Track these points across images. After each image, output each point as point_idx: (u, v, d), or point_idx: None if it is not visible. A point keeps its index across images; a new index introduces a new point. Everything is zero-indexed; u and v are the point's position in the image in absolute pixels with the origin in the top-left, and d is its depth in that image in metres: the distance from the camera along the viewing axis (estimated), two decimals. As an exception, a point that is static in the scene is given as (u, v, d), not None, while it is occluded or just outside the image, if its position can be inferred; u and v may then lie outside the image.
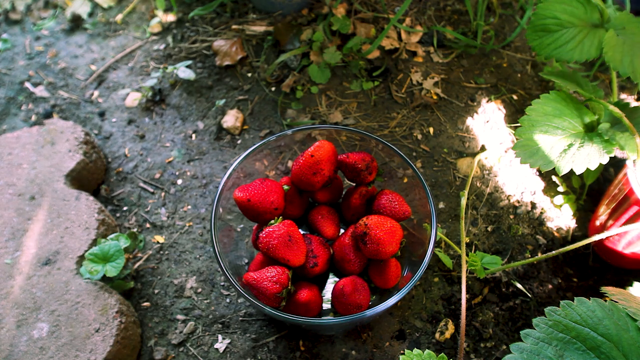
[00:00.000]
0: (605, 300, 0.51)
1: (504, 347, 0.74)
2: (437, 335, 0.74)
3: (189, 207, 0.88)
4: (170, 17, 1.14)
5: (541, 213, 0.86)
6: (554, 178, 0.90)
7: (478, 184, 0.89)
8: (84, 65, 1.09)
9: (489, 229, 0.85)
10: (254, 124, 0.97)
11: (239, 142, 0.95)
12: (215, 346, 0.74)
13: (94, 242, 0.77)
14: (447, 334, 0.75)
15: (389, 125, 0.95)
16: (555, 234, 0.85)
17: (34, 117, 1.02)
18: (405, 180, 0.76)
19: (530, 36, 0.82)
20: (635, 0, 0.99)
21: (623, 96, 1.01)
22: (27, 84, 1.07)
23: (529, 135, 0.72)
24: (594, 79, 1.03)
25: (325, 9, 1.08)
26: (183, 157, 0.94)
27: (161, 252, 0.83)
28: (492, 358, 0.73)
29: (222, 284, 0.80)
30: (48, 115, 1.01)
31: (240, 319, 0.77)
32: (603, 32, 0.78)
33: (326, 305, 0.74)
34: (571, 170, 0.69)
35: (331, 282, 0.76)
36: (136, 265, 0.82)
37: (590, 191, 0.89)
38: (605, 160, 0.68)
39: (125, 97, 1.03)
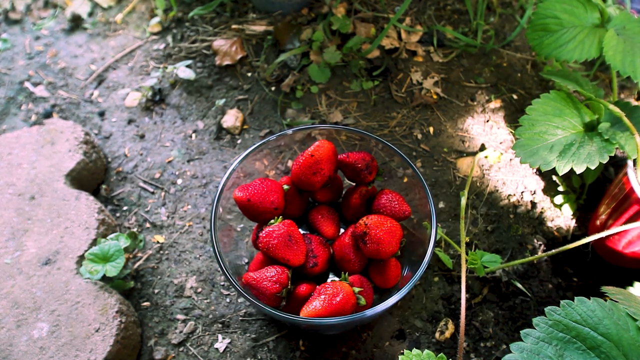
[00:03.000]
0: (606, 300, 0.51)
1: (504, 346, 0.74)
2: (437, 334, 0.74)
3: (189, 207, 0.88)
4: (170, 17, 1.14)
5: (541, 213, 0.86)
6: (554, 178, 0.90)
7: (478, 184, 0.89)
8: (84, 65, 1.09)
9: (488, 228, 0.85)
10: (254, 123, 0.97)
11: (239, 141, 0.95)
12: (215, 346, 0.74)
13: (94, 242, 0.77)
14: (447, 334, 0.75)
15: (389, 125, 0.95)
16: (555, 233, 0.85)
17: (34, 117, 1.02)
18: (405, 180, 0.76)
19: (530, 36, 0.82)
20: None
21: (623, 96, 1.01)
22: (27, 84, 1.07)
23: (529, 135, 0.72)
24: (594, 79, 1.03)
25: (325, 8, 1.08)
26: (183, 157, 0.94)
27: (161, 252, 0.83)
28: (492, 358, 0.73)
29: (222, 283, 0.80)
30: (48, 115, 1.01)
31: (240, 318, 0.77)
32: (603, 31, 0.78)
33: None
34: (571, 169, 0.69)
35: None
36: (136, 265, 0.82)
37: (590, 191, 0.89)
38: (605, 159, 0.68)
39: (125, 96, 1.03)
